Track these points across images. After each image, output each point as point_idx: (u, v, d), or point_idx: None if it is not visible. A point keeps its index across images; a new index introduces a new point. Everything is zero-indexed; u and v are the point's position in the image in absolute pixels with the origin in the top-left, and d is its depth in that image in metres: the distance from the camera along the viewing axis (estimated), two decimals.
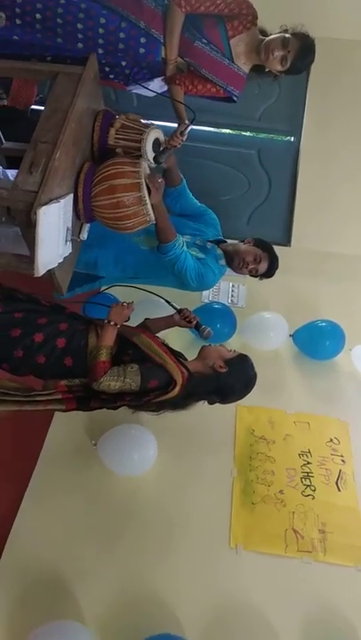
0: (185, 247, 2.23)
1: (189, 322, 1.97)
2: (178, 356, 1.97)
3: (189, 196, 2.46)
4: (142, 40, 1.98)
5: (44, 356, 1.79)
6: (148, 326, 2.04)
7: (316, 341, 2.81)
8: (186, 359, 1.99)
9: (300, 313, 2.98)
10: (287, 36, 2.01)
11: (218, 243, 2.43)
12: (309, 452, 2.46)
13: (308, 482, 2.37)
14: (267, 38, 2.04)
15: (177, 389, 1.77)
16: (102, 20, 1.95)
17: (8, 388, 1.78)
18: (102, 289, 2.84)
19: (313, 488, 2.35)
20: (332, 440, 2.52)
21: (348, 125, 3.47)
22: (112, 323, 1.78)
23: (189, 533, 2.21)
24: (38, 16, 1.97)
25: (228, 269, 2.45)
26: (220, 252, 2.38)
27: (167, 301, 2.10)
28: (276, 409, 2.62)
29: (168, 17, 1.95)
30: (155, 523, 2.23)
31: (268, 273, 2.40)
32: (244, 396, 1.94)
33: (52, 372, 1.81)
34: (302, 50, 2.03)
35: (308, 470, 2.41)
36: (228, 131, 3.57)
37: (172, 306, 2.06)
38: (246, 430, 2.52)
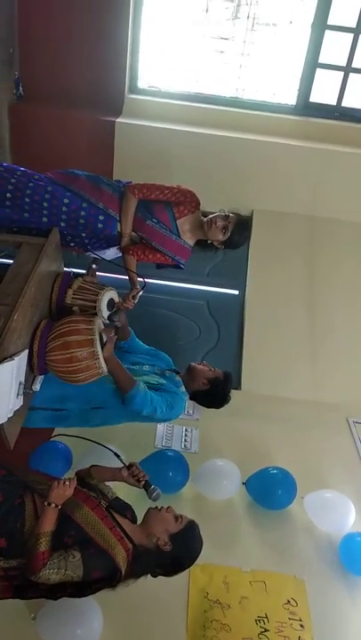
0: (146, 388, 2.28)
1: (138, 480, 1.92)
2: (125, 509, 1.90)
3: (139, 343, 2.60)
4: (101, 217, 2.27)
5: None
6: (92, 475, 1.97)
7: (268, 490, 2.78)
8: (133, 514, 1.92)
9: (252, 459, 2.99)
10: (227, 212, 2.34)
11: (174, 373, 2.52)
12: (266, 618, 2.29)
13: None
14: (212, 216, 2.35)
15: (122, 575, 1.68)
16: (66, 201, 2.24)
17: None
18: (51, 437, 2.81)
19: None
20: (289, 602, 2.38)
21: (285, 280, 3.90)
22: (52, 505, 1.65)
23: None
24: (9, 195, 2.23)
25: None
26: (178, 379, 2.46)
27: (116, 455, 2.07)
28: (231, 567, 2.48)
29: (124, 201, 2.27)
30: None
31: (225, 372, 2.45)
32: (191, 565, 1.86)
33: None
34: (240, 222, 2.35)
35: (266, 639, 2.23)
36: (180, 284, 3.92)
37: (120, 460, 2.02)
38: (200, 593, 2.35)
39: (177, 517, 1.83)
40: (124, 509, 1.90)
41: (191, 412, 3.30)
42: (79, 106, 3.77)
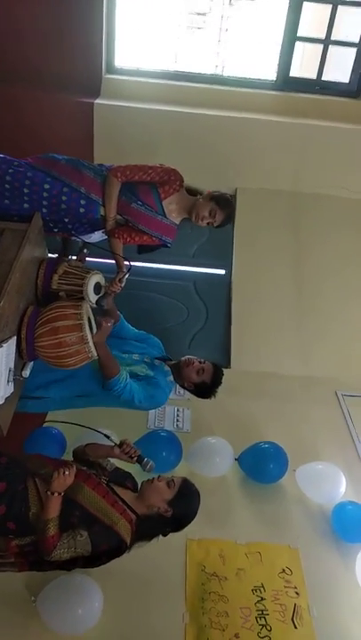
0: (128, 378, 2.31)
1: (130, 457, 1.99)
2: (125, 479, 1.98)
3: (128, 327, 2.61)
4: (82, 202, 2.25)
5: None
6: (88, 453, 2.03)
7: (260, 464, 2.84)
8: (134, 481, 2.00)
9: (244, 435, 3.03)
10: (214, 207, 2.30)
11: (164, 360, 2.55)
12: (263, 587, 2.36)
13: (263, 621, 2.24)
14: (197, 203, 2.33)
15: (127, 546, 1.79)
16: (46, 186, 2.21)
17: None
18: (43, 423, 2.82)
19: (269, 628, 2.22)
20: (284, 570, 2.45)
21: (271, 258, 3.90)
22: (56, 494, 1.72)
23: None
24: None
25: None
26: (167, 368, 2.48)
27: (106, 436, 2.11)
28: (226, 540, 2.55)
29: (106, 185, 2.25)
30: None
31: (216, 373, 2.48)
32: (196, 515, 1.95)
33: None
34: (226, 217, 2.36)
35: (263, 607, 2.29)
36: (166, 266, 3.91)
37: (111, 440, 2.07)
38: (197, 567, 2.41)
39: (169, 483, 1.90)
40: (124, 479, 1.97)
41: (182, 392, 3.31)
42: (56, 88, 3.69)
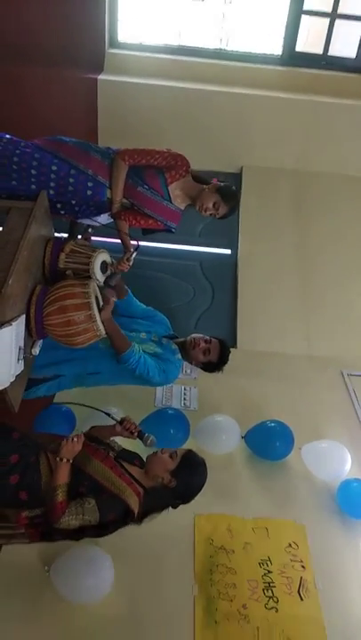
0: (141, 351, 2.33)
1: (131, 432, 2.02)
2: (133, 458, 2.02)
3: (136, 302, 2.62)
4: (89, 184, 2.24)
5: None
6: (93, 435, 2.06)
7: (267, 442, 2.86)
8: (142, 460, 2.04)
9: (250, 413, 3.06)
10: (218, 199, 2.30)
11: (170, 338, 2.57)
12: (269, 560, 2.41)
13: (270, 593, 2.30)
14: (202, 193, 2.32)
15: (135, 515, 1.82)
16: (54, 168, 2.20)
17: None
18: (51, 403, 2.85)
19: (276, 599, 2.28)
20: (290, 545, 2.49)
21: (277, 237, 3.89)
22: (64, 460, 1.79)
23: None
24: None
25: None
26: (175, 346, 2.51)
27: (107, 414, 2.13)
28: (234, 515, 2.59)
29: (114, 168, 2.24)
30: None
31: (222, 351, 2.51)
32: (203, 486, 1.98)
33: (8, 504, 1.82)
34: (229, 210, 2.36)
35: (270, 580, 2.34)
36: (172, 246, 3.89)
37: (112, 417, 2.09)
38: (205, 541, 2.46)
39: (171, 455, 1.94)
40: (132, 458, 2.02)
41: (189, 371, 3.34)
42: (59, 64, 3.64)
